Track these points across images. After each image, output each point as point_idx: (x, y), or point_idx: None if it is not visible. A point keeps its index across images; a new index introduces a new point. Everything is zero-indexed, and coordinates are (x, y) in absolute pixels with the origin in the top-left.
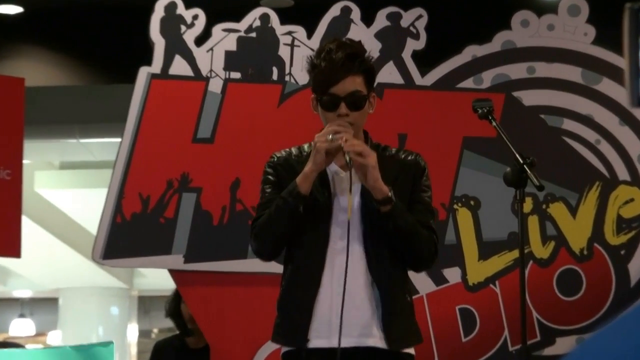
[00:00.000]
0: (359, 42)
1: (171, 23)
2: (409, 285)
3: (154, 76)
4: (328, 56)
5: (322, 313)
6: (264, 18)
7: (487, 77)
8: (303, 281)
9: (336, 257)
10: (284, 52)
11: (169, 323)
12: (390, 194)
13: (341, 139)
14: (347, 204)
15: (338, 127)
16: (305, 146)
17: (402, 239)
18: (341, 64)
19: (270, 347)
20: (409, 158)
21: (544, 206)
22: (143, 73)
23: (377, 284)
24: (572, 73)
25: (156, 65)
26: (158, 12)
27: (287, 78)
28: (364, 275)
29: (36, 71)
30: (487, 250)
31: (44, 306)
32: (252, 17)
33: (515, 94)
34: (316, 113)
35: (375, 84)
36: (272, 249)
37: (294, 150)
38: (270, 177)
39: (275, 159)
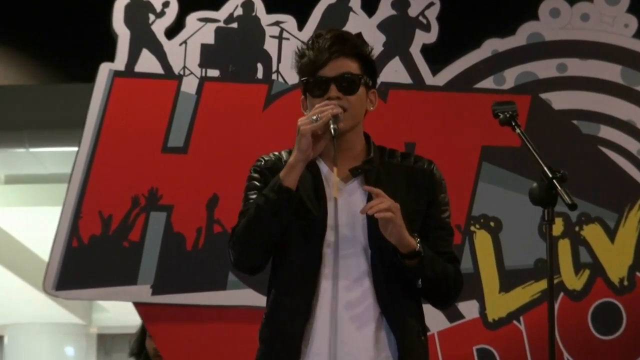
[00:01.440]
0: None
1: (137, 11)
2: (424, 322)
3: (117, 74)
4: (316, 41)
5: (314, 350)
6: (247, 6)
7: (510, 76)
8: (290, 309)
9: (329, 282)
10: (270, 45)
11: None
12: (418, 247)
13: (326, 116)
14: (341, 214)
15: (325, 106)
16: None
17: (430, 288)
18: (329, 44)
19: None
20: (423, 166)
21: (577, 228)
22: (104, 70)
23: (386, 318)
24: (610, 72)
25: (120, 61)
26: None
27: (274, 76)
28: (370, 307)
29: None
30: (509, 280)
31: None
32: (233, 5)
33: (543, 95)
34: (305, 111)
35: (378, 83)
36: (254, 257)
37: (284, 154)
38: (256, 182)
39: (263, 163)
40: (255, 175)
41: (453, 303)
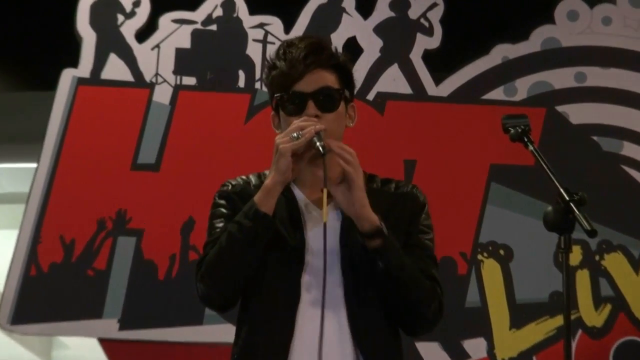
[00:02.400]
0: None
1: (104, 11)
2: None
3: (81, 81)
4: (288, 50)
5: None
6: (228, 5)
7: (523, 86)
8: (265, 351)
9: (308, 318)
10: (253, 50)
11: None
12: (380, 224)
13: (309, 132)
14: (320, 244)
15: (305, 122)
16: (267, 172)
17: (396, 286)
18: (304, 55)
19: None
20: (404, 190)
21: (597, 257)
22: (67, 77)
23: (362, 354)
24: (634, 82)
25: (84, 67)
26: None
27: (257, 85)
28: (347, 343)
29: None
30: (521, 315)
31: None
32: (212, 5)
33: (559, 108)
34: (279, 131)
35: (370, 93)
36: (226, 292)
37: (252, 178)
38: (222, 209)
39: (230, 188)
40: (221, 201)
41: (431, 327)
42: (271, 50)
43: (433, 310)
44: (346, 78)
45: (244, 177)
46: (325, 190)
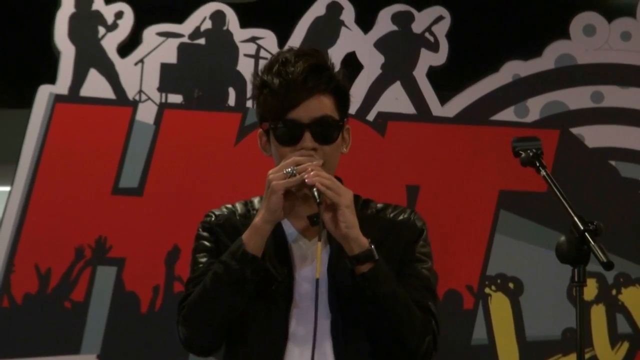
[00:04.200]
0: (322, 51)
1: (84, 23)
2: None
3: (58, 98)
4: (283, 70)
5: None
6: (217, 18)
7: (535, 107)
8: None
9: (297, 356)
10: (245, 66)
11: None
12: (370, 247)
13: (305, 170)
14: (309, 278)
15: (300, 157)
16: (256, 200)
17: (385, 316)
18: (303, 78)
19: None
20: (401, 217)
21: (614, 292)
22: (43, 94)
23: None
24: None
25: (62, 84)
26: (66, 7)
27: (248, 104)
28: None
29: None
30: (532, 354)
31: None
32: (200, 17)
33: (574, 130)
34: (267, 155)
35: (370, 112)
36: (209, 336)
37: (238, 206)
38: (205, 242)
39: (213, 219)
40: (204, 234)
41: None
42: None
43: (426, 346)
44: (344, 100)
45: (229, 205)
46: (319, 245)
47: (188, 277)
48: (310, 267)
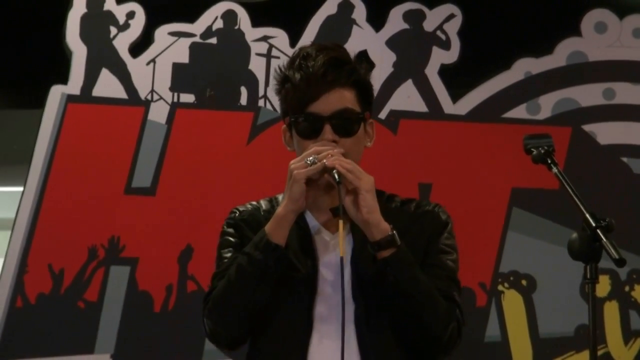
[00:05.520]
0: (346, 50)
1: (96, 23)
2: None
3: (71, 99)
4: (304, 64)
5: None
6: (229, 17)
7: (547, 104)
8: None
9: (324, 349)
10: (256, 65)
11: None
12: (392, 232)
13: (326, 157)
14: (335, 271)
15: (321, 146)
16: (280, 197)
17: (408, 302)
18: (323, 72)
19: None
20: (425, 209)
21: (626, 288)
22: (55, 94)
23: None
24: None
25: (74, 84)
26: (78, 8)
27: (260, 103)
28: None
29: None
30: (545, 351)
31: None
32: (212, 16)
33: (586, 127)
34: (291, 150)
35: (382, 110)
36: (235, 328)
37: (263, 203)
38: (230, 238)
39: (238, 215)
40: (229, 229)
41: (448, 351)
42: (276, 65)
43: (450, 333)
44: (365, 93)
45: (253, 202)
46: (340, 222)
47: (213, 272)
48: (334, 258)
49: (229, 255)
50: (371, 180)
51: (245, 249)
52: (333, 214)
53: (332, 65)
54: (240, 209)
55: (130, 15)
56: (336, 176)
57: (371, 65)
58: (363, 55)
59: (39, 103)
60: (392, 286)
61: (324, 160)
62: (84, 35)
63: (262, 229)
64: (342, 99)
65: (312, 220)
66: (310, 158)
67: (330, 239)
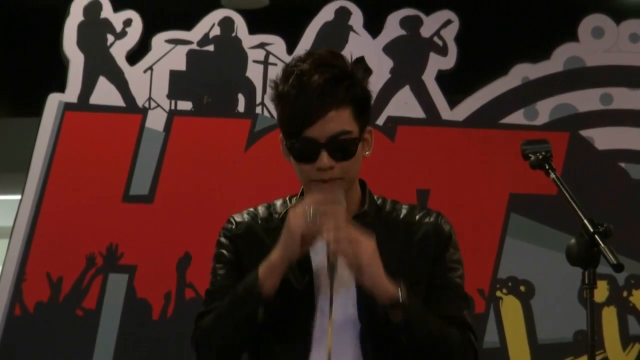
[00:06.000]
0: (342, 55)
1: (93, 31)
2: None
3: (68, 107)
4: (299, 81)
5: None
6: (226, 24)
7: (544, 109)
8: None
9: None
10: (254, 72)
11: None
12: (399, 294)
13: (326, 228)
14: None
15: (323, 204)
16: (278, 204)
17: (424, 352)
18: (319, 93)
19: None
20: (427, 220)
21: (624, 294)
22: (53, 102)
23: None
24: None
25: (72, 92)
26: (75, 16)
27: (258, 110)
28: None
29: None
30: (544, 356)
31: None
32: (209, 24)
33: (584, 132)
34: (289, 161)
35: (379, 117)
36: (225, 357)
37: (260, 210)
38: (224, 252)
39: (234, 226)
40: (225, 242)
41: None
42: (273, 72)
43: None
44: (363, 108)
45: (251, 209)
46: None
47: (207, 288)
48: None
49: (222, 272)
50: (370, 250)
51: (239, 287)
52: (329, 267)
53: (329, 85)
54: (237, 219)
55: (127, 23)
56: (329, 267)
57: (368, 72)
58: (360, 62)
59: (37, 111)
60: (407, 343)
61: (324, 233)
62: (81, 43)
63: (260, 260)
64: (338, 121)
65: None
66: (310, 215)
67: (324, 270)
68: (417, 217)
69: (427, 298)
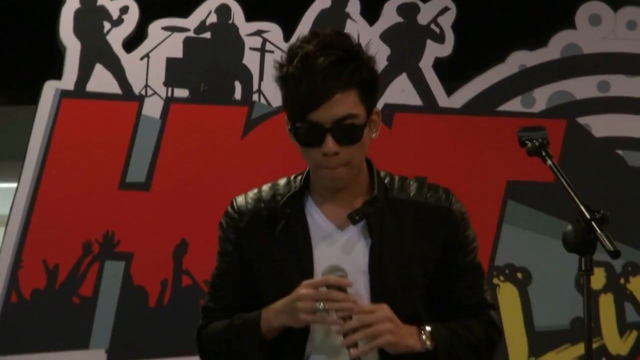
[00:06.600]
0: (348, 35)
1: (89, 19)
2: None
3: (65, 94)
4: (304, 63)
5: None
6: (223, 12)
7: (542, 97)
8: None
9: None
10: (251, 59)
11: None
12: (425, 345)
13: (337, 322)
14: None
15: (331, 291)
16: (282, 183)
17: None
18: (324, 76)
19: None
20: (436, 202)
21: (622, 280)
22: (49, 90)
23: None
24: None
25: (68, 79)
26: (71, 3)
27: (255, 97)
28: None
29: None
30: (541, 343)
31: None
32: (206, 11)
33: (581, 120)
34: (294, 142)
35: (381, 105)
36: None
37: (264, 192)
38: (226, 244)
39: (236, 212)
40: (227, 232)
41: None
42: (269, 59)
43: (490, 355)
44: (370, 90)
45: (255, 191)
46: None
47: (212, 272)
48: (340, 261)
49: (222, 265)
50: (385, 325)
51: (240, 329)
52: (351, 220)
53: (334, 68)
54: (241, 207)
55: (124, 10)
56: (349, 353)
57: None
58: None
59: (33, 99)
60: None
61: (334, 324)
62: (78, 31)
63: (257, 318)
64: (344, 104)
65: (313, 210)
66: (321, 306)
67: (338, 235)
68: (427, 196)
69: (441, 281)
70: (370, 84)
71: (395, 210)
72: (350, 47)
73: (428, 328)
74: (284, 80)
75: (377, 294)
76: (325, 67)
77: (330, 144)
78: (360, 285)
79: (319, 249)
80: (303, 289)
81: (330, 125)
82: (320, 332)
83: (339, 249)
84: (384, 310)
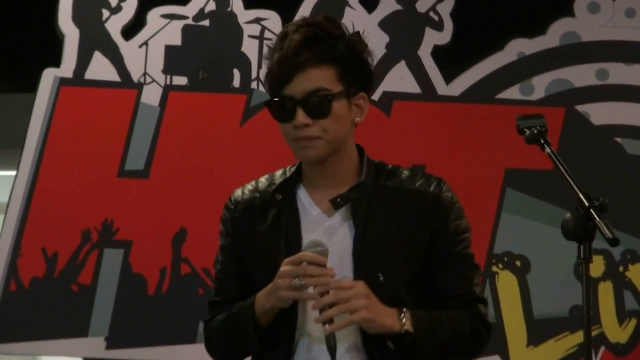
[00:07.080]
0: (337, 22)
1: (88, 6)
2: None
3: (63, 82)
4: (280, 41)
5: None
6: None
7: (540, 85)
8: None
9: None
10: (249, 47)
11: None
12: (404, 327)
13: (314, 297)
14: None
15: (308, 266)
16: (278, 174)
17: (438, 357)
18: (296, 51)
19: None
20: (426, 189)
21: (621, 268)
22: (48, 77)
23: None
24: None
25: (67, 67)
26: None
27: (253, 85)
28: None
29: None
30: (539, 331)
31: None
32: None
33: (580, 108)
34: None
35: (379, 92)
36: (232, 358)
37: (261, 183)
38: (225, 237)
39: (233, 203)
40: (224, 225)
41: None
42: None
43: (478, 349)
44: (352, 69)
45: (252, 184)
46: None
47: (216, 266)
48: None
49: (225, 259)
50: (363, 303)
51: (239, 316)
52: (334, 205)
53: (307, 43)
54: (237, 198)
55: None
56: (327, 343)
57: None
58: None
59: (32, 86)
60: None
61: (311, 292)
62: (76, 18)
63: (251, 305)
64: (315, 79)
65: (304, 197)
66: (295, 281)
67: (323, 221)
68: (417, 184)
69: (429, 270)
70: (351, 63)
71: (384, 197)
72: (332, 28)
73: (408, 311)
74: (265, 59)
75: (360, 279)
76: (299, 42)
77: (300, 116)
78: (344, 270)
79: (307, 233)
80: (283, 266)
81: (300, 97)
82: (306, 315)
83: (322, 234)
84: (360, 286)
